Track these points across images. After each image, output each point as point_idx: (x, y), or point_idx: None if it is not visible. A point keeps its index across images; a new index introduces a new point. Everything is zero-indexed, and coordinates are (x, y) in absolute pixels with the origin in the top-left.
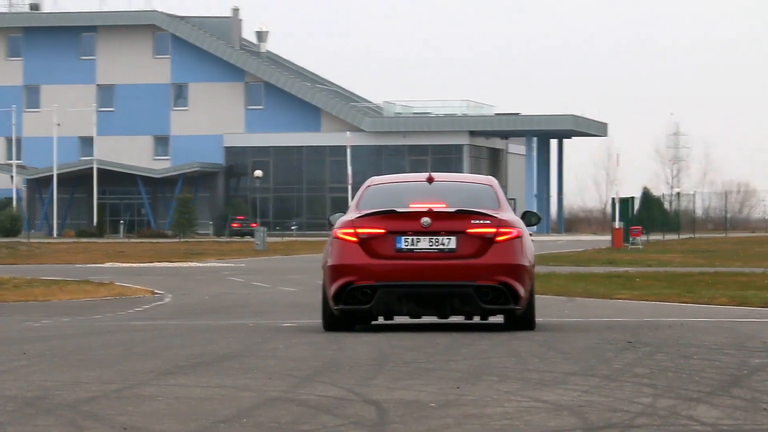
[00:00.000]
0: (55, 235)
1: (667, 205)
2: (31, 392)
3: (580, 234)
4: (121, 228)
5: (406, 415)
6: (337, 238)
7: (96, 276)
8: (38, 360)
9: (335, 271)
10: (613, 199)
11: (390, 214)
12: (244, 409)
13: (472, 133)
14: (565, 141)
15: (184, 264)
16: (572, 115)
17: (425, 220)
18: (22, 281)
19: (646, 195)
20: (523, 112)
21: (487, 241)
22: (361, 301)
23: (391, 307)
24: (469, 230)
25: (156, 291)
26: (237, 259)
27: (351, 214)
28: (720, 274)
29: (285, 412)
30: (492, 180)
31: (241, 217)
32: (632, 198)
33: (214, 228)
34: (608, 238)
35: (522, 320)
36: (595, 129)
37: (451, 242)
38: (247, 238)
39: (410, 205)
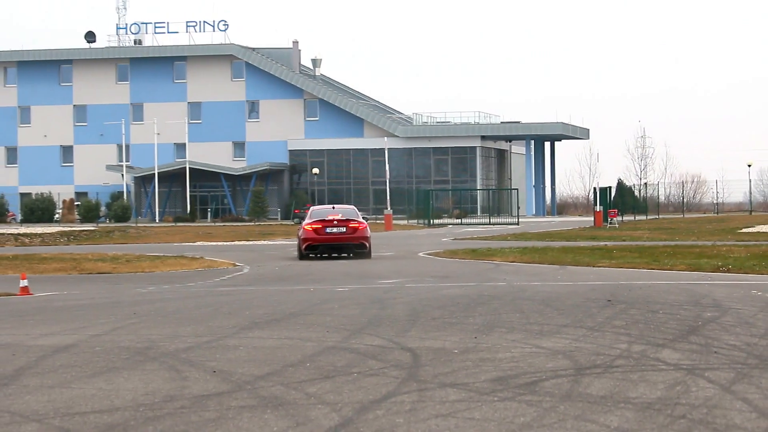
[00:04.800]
0: (157, 220)
1: (637, 193)
2: (140, 343)
3: (568, 216)
4: (209, 214)
5: (435, 359)
6: (305, 228)
7: (189, 252)
8: (145, 318)
9: (306, 240)
10: (595, 188)
11: (322, 220)
12: (307, 356)
13: (483, 138)
14: (556, 143)
15: (259, 242)
16: (561, 122)
17: (335, 221)
18: (132, 257)
19: (621, 185)
20: (523, 121)
21: (355, 229)
22: (314, 249)
23: (324, 251)
24: (350, 225)
25: (237, 263)
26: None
27: (309, 220)
28: (679, 246)
29: (340, 357)
30: (353, 207)
31: (308, 205)
32: (609, 187)
33: (281, 214)
34: (591, 219)
35: (369, 254)
36: (580, 133)
37: (343, 229)
38: None
39: (328, 216)
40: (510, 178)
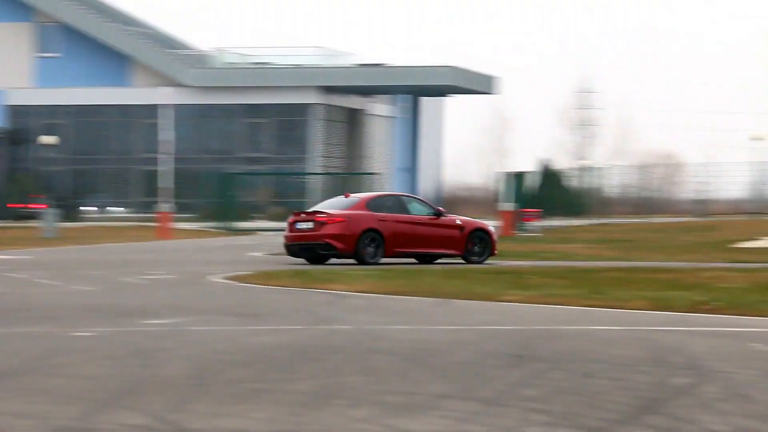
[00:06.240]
0: None
1: (573, 183)
2: None
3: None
4: None
5: None
6: (287, 222)
7: None
8: None
9: (285, 237)
10: (502, 173)
11: (297, 212)
12: None
13: (327, 90)
14: (444, 100)
15: None
16: (451, 66)
17: (302, 215)
18: None
19: (547, 169)
20: (390, 63)
21: (321, 224)
22: (289, 250)
23: (298, 253)
24: (316, 218)
25: None
26: (18, 249)
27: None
28: (637, 269)
29: None
30: (369, 194)
31: (35, 196)
32: (526, 173)
33: None
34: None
35: (362, 258)
36: (482, 84)
37: (310, 224)
38: (33, 223)
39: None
40: (367, 156)
